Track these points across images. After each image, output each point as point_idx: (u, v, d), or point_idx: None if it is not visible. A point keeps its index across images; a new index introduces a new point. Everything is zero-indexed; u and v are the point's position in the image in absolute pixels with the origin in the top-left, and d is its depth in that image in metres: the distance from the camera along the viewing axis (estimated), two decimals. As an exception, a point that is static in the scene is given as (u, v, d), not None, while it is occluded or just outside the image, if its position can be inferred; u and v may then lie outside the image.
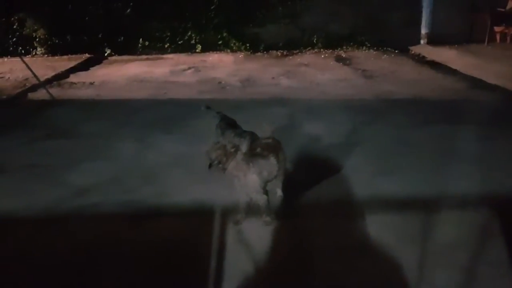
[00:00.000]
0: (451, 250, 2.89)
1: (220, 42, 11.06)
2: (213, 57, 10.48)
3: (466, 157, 4.35)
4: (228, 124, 4.01)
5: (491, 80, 7.37)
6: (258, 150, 3.27)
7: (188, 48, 11.01)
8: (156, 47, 11.01)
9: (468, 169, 4.09)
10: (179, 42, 11.01)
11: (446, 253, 2.87)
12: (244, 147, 3.48)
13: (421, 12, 11.13)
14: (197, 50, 11.00)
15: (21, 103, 6.92)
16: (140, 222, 3.34)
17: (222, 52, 11.04)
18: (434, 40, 10.95)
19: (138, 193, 3.78)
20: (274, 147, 3.34)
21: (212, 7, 10.63)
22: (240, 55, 10.76)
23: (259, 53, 10.85)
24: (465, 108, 6.18)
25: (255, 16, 10.79)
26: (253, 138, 3.66)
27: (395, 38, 10.88)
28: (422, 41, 11.22)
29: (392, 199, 3.66)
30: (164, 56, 10.70)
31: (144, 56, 10.62)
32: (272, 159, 3.21)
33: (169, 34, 10.91)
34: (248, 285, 2.63)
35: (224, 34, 10.92)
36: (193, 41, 11.00)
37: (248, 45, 10.98)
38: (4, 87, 7.45)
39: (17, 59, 8.11)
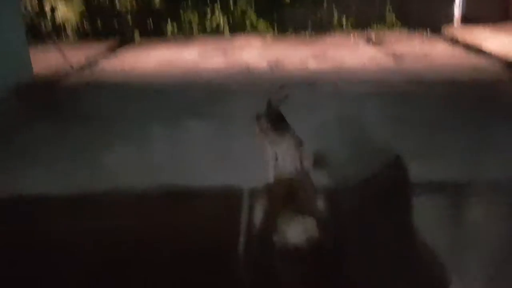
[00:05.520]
0: (483, 236, 2.86)
1: (248, 25, 11.01)
2: (241, 40, 10.45)
3: (497, 142, 4.24)
4: (274, 122, 3.34)
5: (528, 61, 7.13)
6: None
7: (216, 32, 11.01)
8: (184, 31, 11.05)
9: (500, 154, 3.99)
10: (208, 26, 11.01)
11: (477, 239, 2.83)
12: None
13: (455, -9, 10.79)
14: (225, 34, 10.98)
15: (54, 88, 7.10)
16: (171, 204, 3.41)
17: (250, 35, 10.99)
18: (468, 20, 10.61)
19: (168, 176, 3.84)
20: None
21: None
22: (268, 38, 10.69)
23: (287, 36, 10.75)
24: (499, 91, 6.01)
25: (283, -2, 10.68)
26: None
27: (428, 19, 10.61)
28: (455, 21, 10.88)
29: (421, 182, 3.62)
30: (193, 39, 10.73)
31: (173, 40, 10.67)
32: None
33: (197, 17, 10.91)
34: (276, 265, 2.65)
35: (252, 17, 10.85)
36: (221, 24, 10.98)
37: (276, 27, 10.89)
38: (38, 73, 7.64)
39: (51, 44, 8.30)
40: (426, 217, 3.09)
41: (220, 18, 10.92)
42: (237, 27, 11.02)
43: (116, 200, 3.54)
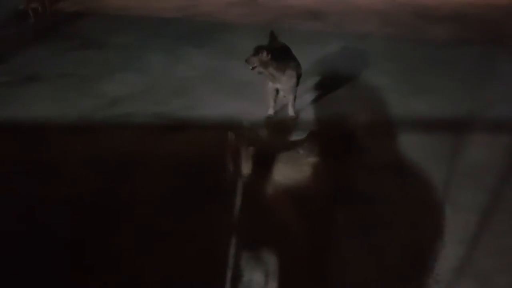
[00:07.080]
0: (479, 172, 2.90)
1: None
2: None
3: (502, 79, 4.19)
4: (276, 55, 3.33)
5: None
6: None
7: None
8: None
9: (504, 91, 3.96)
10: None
11: (473, 174, 2.87)
12: None
13: None
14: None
15: (52, 13, 6.87)
16: (170, 133, 3.42)
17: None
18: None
19: (168, 105, 3.84)
20: None
21: None
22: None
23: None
24: (507, 26, 5.85)
25: None
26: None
27: None
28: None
29: (423, 119, 3.62)
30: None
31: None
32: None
33: None
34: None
35: None
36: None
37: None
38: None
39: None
40: (425, 151, 3.12)
41: None
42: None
43: (115, 127, 3.55)
